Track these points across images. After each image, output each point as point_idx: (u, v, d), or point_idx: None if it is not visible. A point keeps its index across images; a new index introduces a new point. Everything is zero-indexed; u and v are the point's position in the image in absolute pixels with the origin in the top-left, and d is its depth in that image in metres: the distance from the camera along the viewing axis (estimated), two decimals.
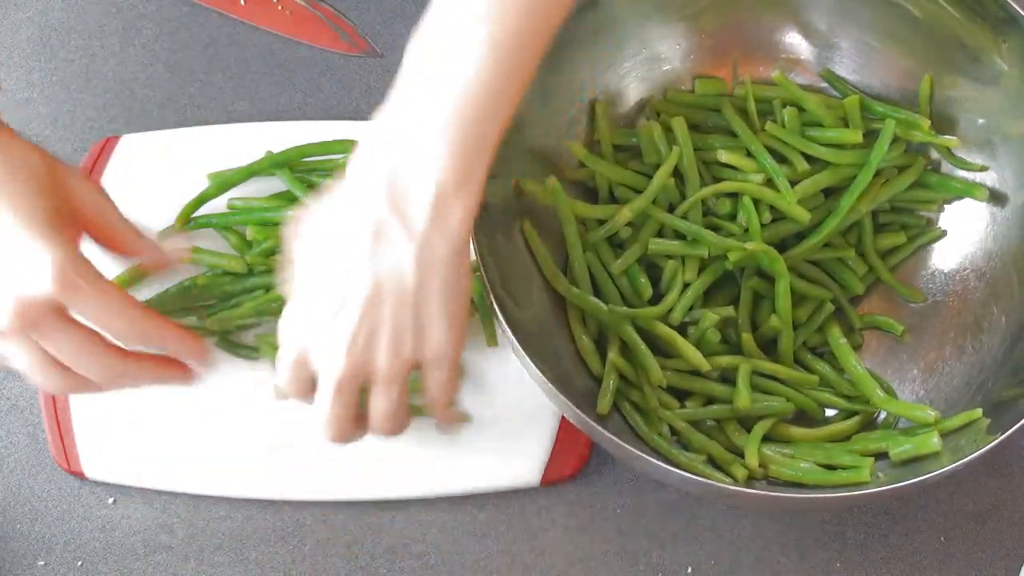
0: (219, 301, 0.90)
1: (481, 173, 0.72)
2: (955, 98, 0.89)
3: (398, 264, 0.72)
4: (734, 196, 0.89)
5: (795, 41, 0.93)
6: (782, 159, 0.90)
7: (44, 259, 0.73)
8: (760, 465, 0.82)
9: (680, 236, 0.89)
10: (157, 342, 0.78)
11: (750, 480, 0.83)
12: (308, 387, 0.76)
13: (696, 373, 0.86)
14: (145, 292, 0.90)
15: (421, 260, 0.72)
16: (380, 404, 0.77)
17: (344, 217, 0.73)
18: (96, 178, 0.95)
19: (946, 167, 0.91)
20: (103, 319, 0.76)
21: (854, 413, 0.87)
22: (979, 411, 0.82)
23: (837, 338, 0.89)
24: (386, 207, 0.71)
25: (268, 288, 0.89)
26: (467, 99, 0.71)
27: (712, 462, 0.84)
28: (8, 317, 0.74)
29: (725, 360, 0.86)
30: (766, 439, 0.84)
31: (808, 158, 0.89)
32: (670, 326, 0.87)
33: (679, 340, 0.86)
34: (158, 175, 0.95)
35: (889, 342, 0.90)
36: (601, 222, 0.89)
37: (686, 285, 0.88)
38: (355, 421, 0.77)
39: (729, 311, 0.88)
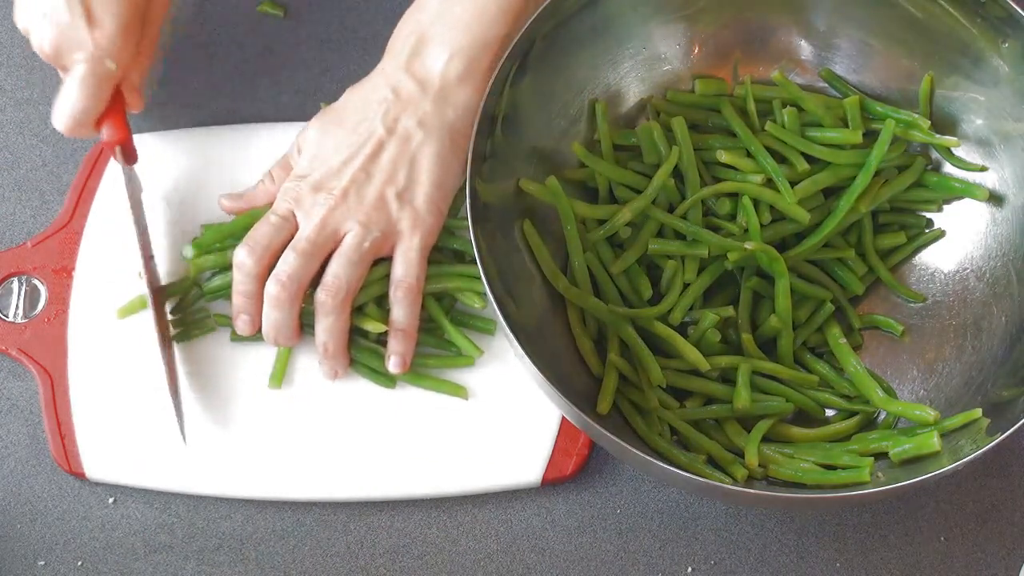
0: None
1: (484, 68, 0.87)
2: (955, 98, 0.89)
3: (406, 123, 0.87)
4: (734, 196, 0.89)
5: (795, 41, 0.93)
6: (782, 159, 0.90)
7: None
8: (760, 465, 0.83)
9: (680, 236, 0.89)
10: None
11: (750, 480, 0.83)
12: (278, 247, 0.86)
13: (696, 373, 0.86)
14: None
15: (426, 125, 0.87)
16: (338, 268, 0.86)
17: (369, 86, 0.89)
18: (95, 180, 0.95)
19: (946, 167, 0.91)
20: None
21: (854, 413, 0.87)
22: (979, 411, 0.82)
23: (837, 338, 0.89)
24: (406, 77, 0.87)
25: None
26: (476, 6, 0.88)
27: (712, 462, 0.84)
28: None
29: (725, 360, 0.86)
30: (766, 439, 0.85)
31: (808, 158, 0.89)
32: (670, 326, 0.87)
33: (679, 340, 0.86)
34: (158, 176, 0.95)
35: (889, 342, 0.90)
36: (601, 222, 0.89)
37: (686, 285, 0.88)
38: (302, 294, 0.86)
39: (729, 311, 0.88)
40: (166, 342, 0.88)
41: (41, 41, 0.86)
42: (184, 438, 0.87)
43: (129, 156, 0.89)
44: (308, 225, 0.86)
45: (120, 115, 0.88)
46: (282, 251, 0.87)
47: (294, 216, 0.87)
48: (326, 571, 0.87)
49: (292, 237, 0.87)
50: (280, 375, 0.89)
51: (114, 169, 0.95)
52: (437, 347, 0.90)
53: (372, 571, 0.87)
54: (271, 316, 0.86)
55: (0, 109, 0.99)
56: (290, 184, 0.88)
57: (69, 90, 0.86)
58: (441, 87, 0.87)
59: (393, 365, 0.87)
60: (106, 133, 0.88)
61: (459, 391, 0.89)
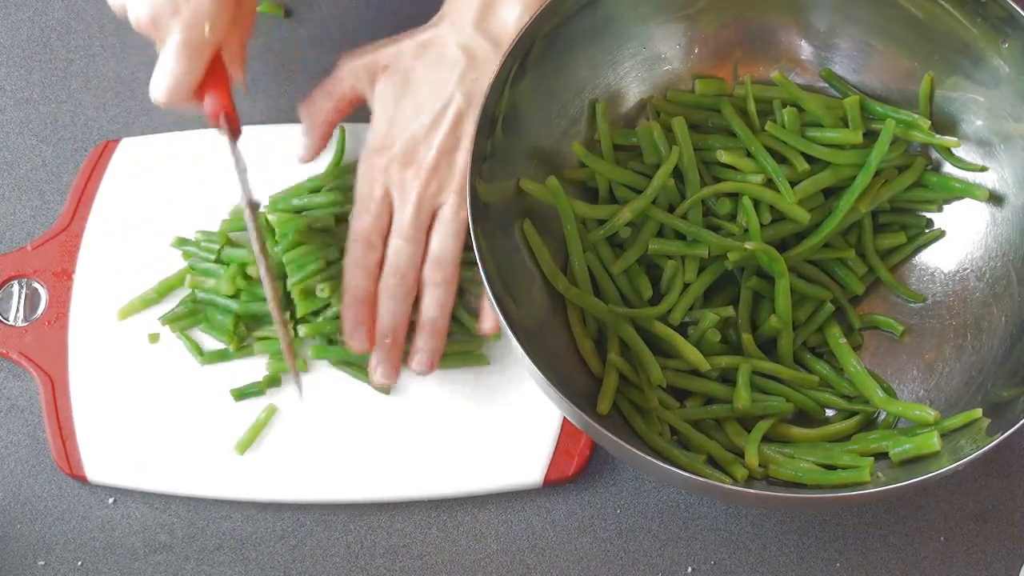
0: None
1: None
2: (955, 98, 0.89)
3: (487, 84, 0.83)
4: (734, 196, 0.89)
5: (795, 41, 0.93)
6: (782, 159, 0.90)
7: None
8: (760, 465, 0.83)
9: (680, 236, 0.89)
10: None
11: (750, 480, 0.83)
12: (386, 234, 0.86)
13: (696, 373, 0.86)
14: (156, 310, 0.92)
15: None
16: (441, 241, 0.86)
17: (436, 46, 0.88)
18: (95, 183, 0.94)
19: (946, 167, 0.91)
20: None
21: (854, 413, 0.87)
22: (979, 411, 0.82)
23: (837, 338, 0.89)
24: (478, 36, 0.87)
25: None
26: None
27: (712, 462, 0.84)
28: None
29: (725, 360, 0.86)
30: (766, 439, 0.85)
31: (808, 158, 0.89)
32: (670, 326, 0.87)
33: (679, 340, 0.86)
34: (157, 179, 0.95)
35: (889, 342, 0.90)
36: (601, 222, 0.89)
37: (686, 285, 0.88)
38: (418, 268, 0.86)
39: (729, 311, 0.88)
40: (283, 321, 0.86)
41: (138, 13, 0.83)
42: (300, 393, 0.86)
43: (234, 129, 0.85)
44: (406, 207, 0.86)
45: (223, 86, 0.84)
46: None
47: (389, 194, 0.87)
48: (326, 571, 0.87)
49: (391, 216, 0.87)
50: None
51: (114, 171, 0.95)
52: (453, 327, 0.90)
53: (372, 571, 0.87)
54: (390, 308, 0.86)
55: (0, 109, 0.99)
56: (377, 160, 0.87)
57: (166, 59, 0.83)
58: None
59: (419, 363, 0.86)
60: (208, 104, 0.84)
61: (480, 360, 0.89)
